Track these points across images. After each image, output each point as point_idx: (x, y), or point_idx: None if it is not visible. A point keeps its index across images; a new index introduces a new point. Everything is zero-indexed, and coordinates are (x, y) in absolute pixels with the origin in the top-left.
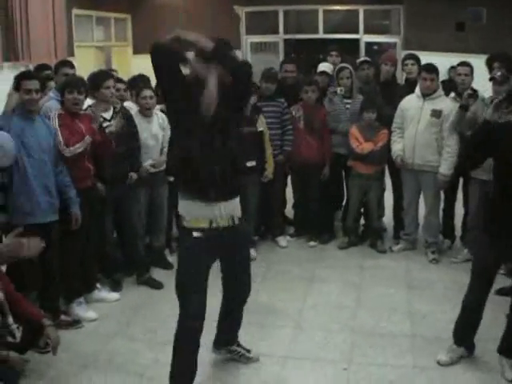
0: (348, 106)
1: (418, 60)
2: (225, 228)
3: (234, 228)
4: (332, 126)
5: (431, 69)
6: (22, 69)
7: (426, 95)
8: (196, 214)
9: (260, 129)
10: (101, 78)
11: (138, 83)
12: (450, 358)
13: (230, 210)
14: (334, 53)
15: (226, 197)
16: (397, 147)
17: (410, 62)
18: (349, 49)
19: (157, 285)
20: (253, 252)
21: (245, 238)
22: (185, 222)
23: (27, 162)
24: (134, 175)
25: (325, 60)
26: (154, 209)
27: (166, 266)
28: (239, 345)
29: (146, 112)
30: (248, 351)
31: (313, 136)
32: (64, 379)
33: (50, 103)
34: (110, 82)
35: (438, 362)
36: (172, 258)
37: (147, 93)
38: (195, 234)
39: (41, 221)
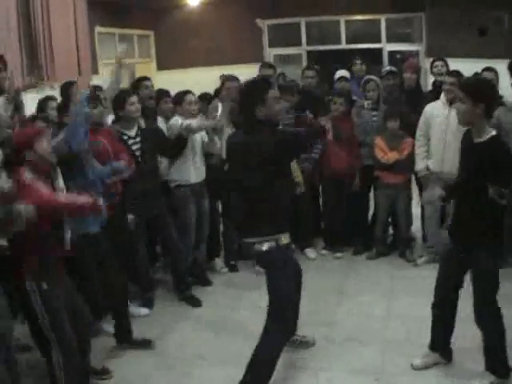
0: (375, 118)
1: (446, 64)
2: None
3: None
4: (360, 138)
5: (453, 73)
6: (48, 91)
7: (452, 102)
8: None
9: None
10: (124, 94)
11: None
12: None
13: None
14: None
15: None
16: (421, 166)
17: (439, 63)
18: (372, 58)
19: (195, 302)
20: None
21: None
22: (280, 242)
23: None
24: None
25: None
26: (200, 220)
27: (206, 282)
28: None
29: (189, 116)
30: (304, 337)
31: (342, 147)
32: None
33: None
34: (134, 99)
35: None
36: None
37: (192, 98)
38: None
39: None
